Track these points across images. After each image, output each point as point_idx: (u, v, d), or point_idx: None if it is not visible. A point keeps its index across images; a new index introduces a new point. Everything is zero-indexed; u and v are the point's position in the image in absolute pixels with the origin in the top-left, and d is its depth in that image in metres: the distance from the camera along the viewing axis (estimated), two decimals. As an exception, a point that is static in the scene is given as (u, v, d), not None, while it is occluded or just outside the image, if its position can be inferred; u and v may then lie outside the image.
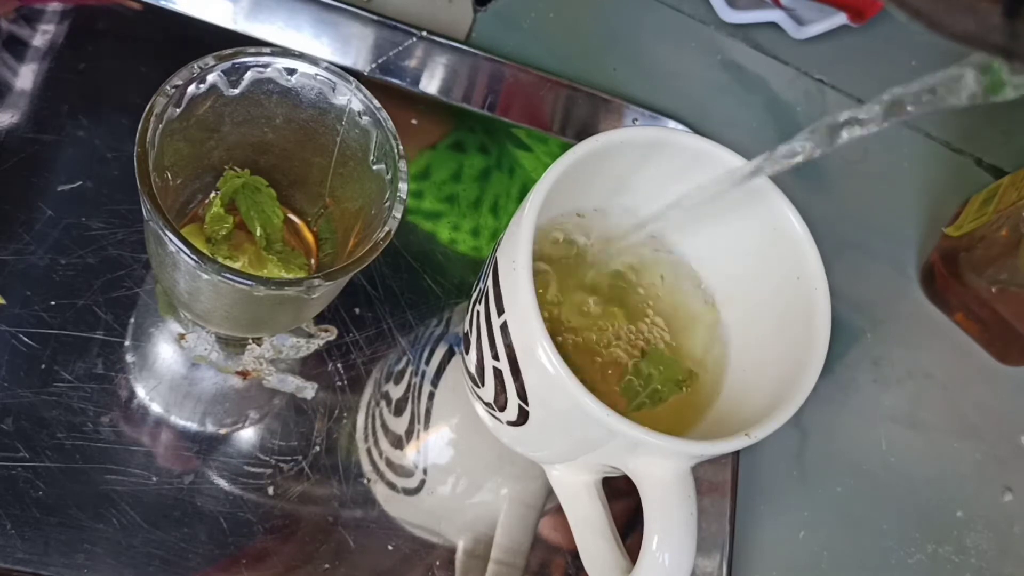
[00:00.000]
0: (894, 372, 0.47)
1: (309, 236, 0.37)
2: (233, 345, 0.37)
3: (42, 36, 0.39)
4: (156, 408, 0.35)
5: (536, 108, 0.45)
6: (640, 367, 0.35)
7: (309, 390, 0.37)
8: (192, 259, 0.28)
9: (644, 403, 0.35)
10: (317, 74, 0.32)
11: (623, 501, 0.38)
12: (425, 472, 0.38)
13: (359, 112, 0.32)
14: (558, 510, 0.37)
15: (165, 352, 0.36)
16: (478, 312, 0.33)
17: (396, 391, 0.38)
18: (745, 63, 0.51)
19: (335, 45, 0.43)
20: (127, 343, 0.36)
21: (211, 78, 0.31)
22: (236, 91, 0.32)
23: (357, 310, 0.39)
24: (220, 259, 0.29)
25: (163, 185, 0.31)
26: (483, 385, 0.34)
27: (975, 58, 0.24)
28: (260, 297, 0.30)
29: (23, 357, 0.34)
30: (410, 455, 0.38)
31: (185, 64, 0.30)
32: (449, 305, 0.40)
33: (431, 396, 0.39)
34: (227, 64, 0.31)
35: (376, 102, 0.32)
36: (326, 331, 0.38)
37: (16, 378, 0.34)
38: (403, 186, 0.31)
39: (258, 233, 0.34)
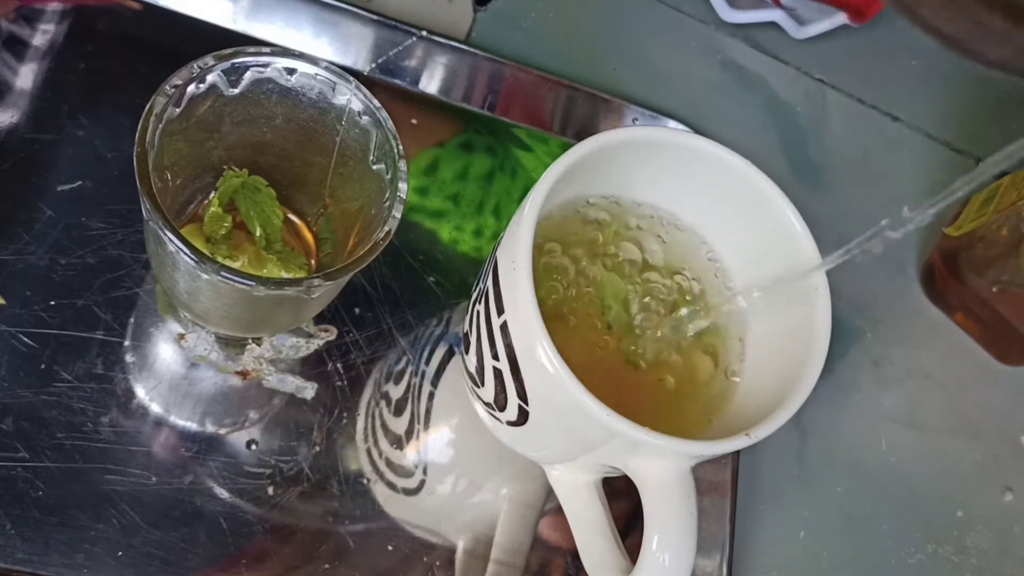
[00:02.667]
0: (894, 372, 0.47)
1: (309, 236, 0.37)
2: (233, 345, 0.37)
3: (42, 36, 0.39)
4: (156, 408, 0.35)
5: (536, 108, 0.45)
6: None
7: (309, 390, 0.37)
8: (192, 259, 0.28)
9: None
10: (317, 74, 0.32)
11: (623, 501, 0.38)
12: (425, 472, 0.38)
13: (359, 112, 0.32)
14: (558, 510, 0.37)
15: (165, 352, 0.36)
16: (478, 312, 0.33)
17: (396, 391, 0.38)
18: (745, 63, 0.51)
19: (335, 45, 0.43)
20: (127, 343, 0.36)
21: (211, 78, 0.31)
22: (236, 91, 0.32)
23: (357, 310, 0.39)
24: (220, 259, 0.29)
25: (163, 185, 0.31)
26: (483, 385, 0.34)
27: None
28: (260, 297, 0.30)
29: (23, 357, 0.34)
30: (410, 455, 0.38)
31: (185, 64, 0.30)
32: (449, 305, 0.40)
33: (431, 396, 0.39)
34: (227, 64, 0.31)
35: (376, 102, 0.32)
36: (326, 331, 0.38)
37: (16, 378, 0.34)
38: (403, 186, 0.31)
39: (258, 233, 0.34)
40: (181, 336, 0.36)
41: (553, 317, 0.35)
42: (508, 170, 0.43)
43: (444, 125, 0.44)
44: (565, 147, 0.35)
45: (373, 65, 0.43)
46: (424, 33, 0.44)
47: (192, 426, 0.35)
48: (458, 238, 0.42)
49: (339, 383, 0.38)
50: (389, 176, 0.32)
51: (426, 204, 0.41)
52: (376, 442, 0.37)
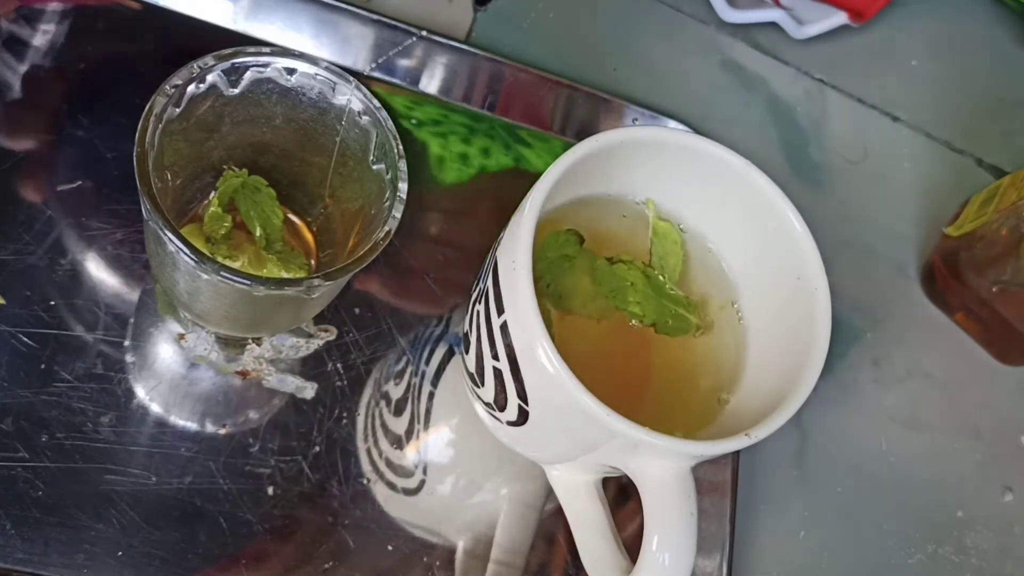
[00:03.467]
0: (894, 372, 0.47)
1: (309, 236, 0.37)
2: (233, 345, 0.37)
3: (42, 36, 0.39)
4: (156, 408, 0.35)
5: (536, 108, 0.45)
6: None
7: (309, 390, 0.37)
8: (191, 259, 0.28)
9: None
10: (317, 74, 0.32)
11: (623, 501, 0.38)
12: (425, 472, 0.38)
13: (359, 112, 0.32)
14: (558, 510, 0.37)
15: (165, 352, 0.36)
16: (478, 312, 0.33)
17: (396, 391, 0.38)
18: (745, 63, 0.51)
19: (335, 45, 0.43)
20: (127, 343, 0.36)
21: (211, 78, 0.31)
22: (236, 91, 0.32)
23: (357, 310, 0.39)
24: (220, 259, 0.29)
25: (163, 185, 0.32)
26: (483, 385, 0.34)
27: None
28: (260, 297, 0.30)
29: (23, 357, 0.34)
30: (410, 455, 0.38)
31: (185, 64, 0.30)
32: (449, 305, 0.40)
33: (431, 396, 0.39)
34: (227, 64, 0.31)
35: (376, 102, 0.32)
36: (326, 331, 0.38)
37: (16, 378, 0.34)
38: (403, 186, 0.31)
39: (258, 233, 0.34)
40: (181, 336, 0.36)
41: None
42: (499, 140, 0.44)
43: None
44: (564, 146, 0.35)
45: (373, 65, 0.43)
46: (424, 33, 0.44)
47: (192, 426, 0.35)
48: (445, 157, 0.42)
49: (339, 383, 0.38)
50: (389, 176, 0.32)
51: (419, 115, 0.42)
52: (376, 442, 0.37)
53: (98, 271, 0.36)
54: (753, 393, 0.34)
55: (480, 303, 0.33)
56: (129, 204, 0.37)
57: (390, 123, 0.32)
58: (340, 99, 0.32)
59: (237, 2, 0.42)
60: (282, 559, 0.35)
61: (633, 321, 0.35)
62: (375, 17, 0.43)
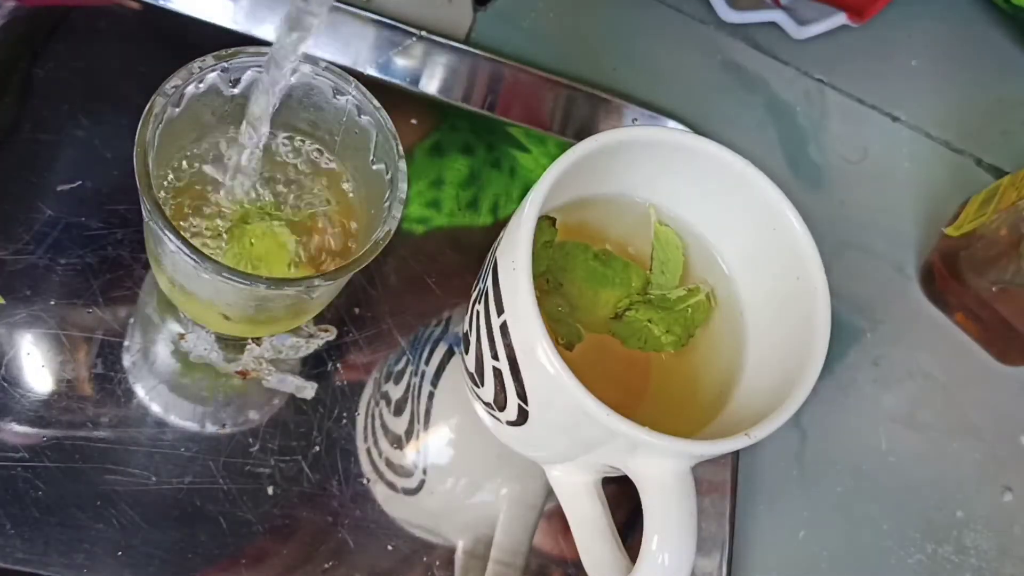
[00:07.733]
0: (894, 372, 0.47)
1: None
2: (233, 345, 0.37)
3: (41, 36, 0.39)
4: (156, 408, 0.35)
5: (536, 108, 0.45)
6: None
7: (309, 390, 0.37)
8: (191, 259, 0.28)
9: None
10: (317, 74, 0.32)
11: (623, 501, 0.38)
12: (425, 472, 0.38)
13: (359, 112, 0.32)
14: (558, 511, 0.37)
15: (165, 352, 0.36)
16: (478, 312, 0.33)
17: (396, 391, 0.38)
18: (745, 63, 0.51)
19: (335, 45, 0.43)
20: (127, 343, 0.36)
21: (210, 78, 0.31)
22: (236, 91, 0.32)
23: (357, 310, 0.39)
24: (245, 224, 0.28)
25: (163, 185, 0.32)
26: (483, 385, 0.34)
27: None
28: (259, 297, 0.30)
29: (23, 357, 0.34)
30: (410, 455, 0.38)
31: (185, 64, 0.30)
32: (449, 305, 0.40)
33: (431, 396, 0.39)
34: (226, 64, 0.31)
35: (376, 102, 0.32)
36: (326, 331, 0.38)
37: (16, 378, 0.34)
38: (403, 186, 0.31)
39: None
40: (181, 336, 0.36)
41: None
42: (506, 169, 0.43)
43: (432, 124, 0.44)
44: (563, 147, 0.35)
45: (373, 65, 0.43)
46: (424, 33, 0.44)
47: (192, 426, 0.35)
48: (452, 221, 0.42)
49: (339, 383, 0.38)
50: (389, 176, 0.32)
51: (410, 213, 0.41)
52: (376, 442, 0.37)
53: (98, 271, 0.36)
54: (753, 393, 0.34)
55: (480, 303, 0.33)
56: (129, 204, 0.37)
57: (390, 123, 0.32)
58: (340, 99, 0.32)
59: (237, 2, 0.42)
60: (282, 559, 0.35)
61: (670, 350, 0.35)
62: (375, 17, 0.43)
